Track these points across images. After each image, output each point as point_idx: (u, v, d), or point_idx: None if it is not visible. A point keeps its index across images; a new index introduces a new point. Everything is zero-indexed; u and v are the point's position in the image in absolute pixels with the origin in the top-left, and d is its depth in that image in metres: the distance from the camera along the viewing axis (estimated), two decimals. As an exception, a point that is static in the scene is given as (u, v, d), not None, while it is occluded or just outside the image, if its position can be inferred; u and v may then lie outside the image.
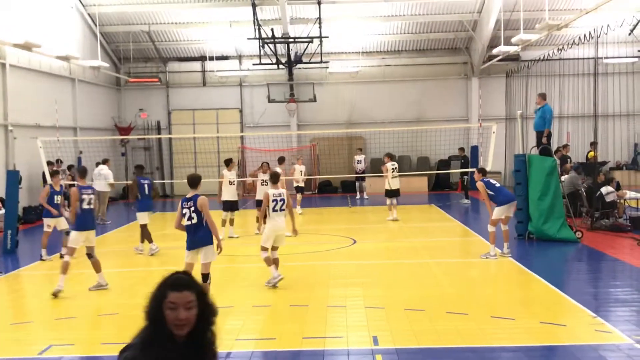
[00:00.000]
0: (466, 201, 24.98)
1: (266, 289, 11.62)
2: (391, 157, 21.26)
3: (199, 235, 9.73)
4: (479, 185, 13.75)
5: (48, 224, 14.78)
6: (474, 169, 15.97)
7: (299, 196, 22.82)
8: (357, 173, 27.60)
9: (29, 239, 19.06)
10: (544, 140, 16.12)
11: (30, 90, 23.36)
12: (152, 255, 15.12)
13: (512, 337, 8.36)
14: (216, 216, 11.68)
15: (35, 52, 21.09)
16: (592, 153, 21.61)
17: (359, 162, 27.52)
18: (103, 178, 21.97)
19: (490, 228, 13.69)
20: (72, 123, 26.87)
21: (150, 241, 15.29)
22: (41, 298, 11.20)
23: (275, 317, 9.67)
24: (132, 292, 11.55)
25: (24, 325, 9.77)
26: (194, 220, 9.69)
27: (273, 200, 11.27)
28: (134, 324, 9.72)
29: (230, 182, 17.20)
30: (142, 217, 15.33)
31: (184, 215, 9.79)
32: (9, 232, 16.29)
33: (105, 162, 22.64)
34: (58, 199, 14.84)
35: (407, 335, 8.51)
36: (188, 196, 9.81)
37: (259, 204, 17.74)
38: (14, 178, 17.08)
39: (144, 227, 15.30)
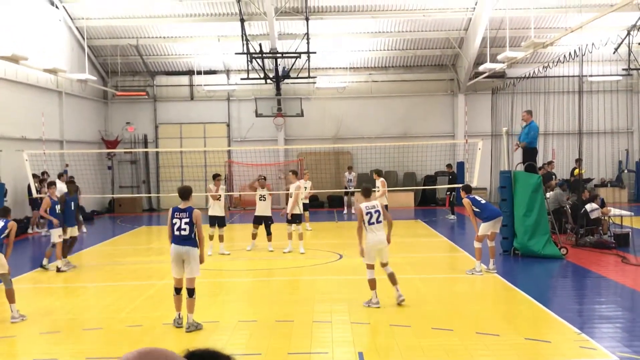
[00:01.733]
0: (452, 217, 25.08)
1: (251, 305, 11.61)
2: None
3: (186, 247, 9.75)
4: (465, 202, 13.87)
5: (59, 234, 14.96)
6: (454, 185, 16.07)
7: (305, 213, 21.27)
8: (346, 188, 27.65)
9: (13, 251, 18.88)
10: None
11: (17, 103, 23.27)
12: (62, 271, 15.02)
13: (497, 354, 8.38)
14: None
15: (22, 64, 21.02)
16: (577, 170, 21.79)
17: (349, 180, 27.53)
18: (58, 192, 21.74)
19: (477, 244, 13.77)
20: (58, 136, 26.78)
21: (63, 257, 15.25)
22: (25, 312, 11.09)
23: (260, 332, 9.64)
24: (116, 306, 11.48)
25: (7, 339, 9.67)
26: (185, 232, 9.74)
27: (367, 214, 10.81)
28: (119, 339, 9.68)
29: (217, 197, 16.90)
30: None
31: (173, 224, 9.81)
32: (-7, 245, 16.16)
33: (59, 176, 22.41)
34: (58, 208, 15.04)
35: (392, 351, 8.51)
36: (181, 207, 9.86)
37: (256, 220, 17.49)
38: (-1, 191, 17.00)
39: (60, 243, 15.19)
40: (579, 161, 21.74)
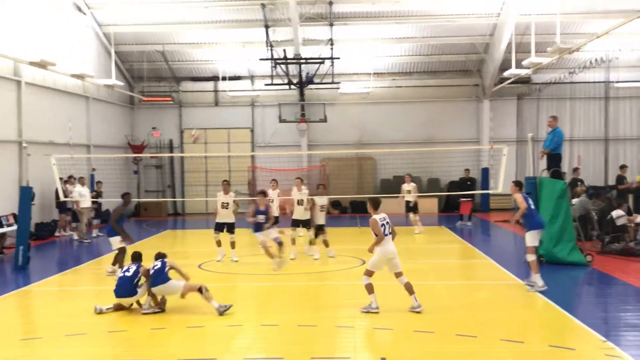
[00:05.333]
0: (469, 223, 24.72)
1: (274, 309, 11.64)
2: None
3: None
4: (518, 197, 12.65)
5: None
6: (482, 191, 15.87)
7: None
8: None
9: (40, 255, 19.17)
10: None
11: (45, 108, 23.59)
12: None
13: (521, 361, 8.32)
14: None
15: (50, 70, 21.31)
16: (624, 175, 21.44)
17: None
18: (78, 195, 21.90)
19: (530, 257, 12.63)
20: (85, 141, 27.09)
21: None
22: (52, 314, 11.24)
23: (283, 336, 9.67)
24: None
25: (33, 341, 9.80)
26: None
27: (382, 225, 10.89)
28: (143, 341, 9.75)
29: (223, 205, 16.77)
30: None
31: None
32: (21, 247, 16.35)
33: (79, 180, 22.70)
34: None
35: (416, 357, 8.49)
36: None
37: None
38: (27, 194, 17.18)
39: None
40: (623, 168, 21.46)
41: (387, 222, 11.01)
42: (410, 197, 22.46)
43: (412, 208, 22.57)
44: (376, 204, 11.23)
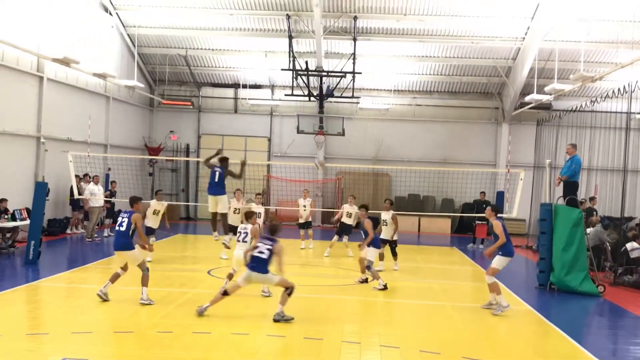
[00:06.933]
0: (481, 246, 24.54)
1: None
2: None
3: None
4: (497, 223, 12.66)
5: None
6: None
7: (304, 232, 21.88)
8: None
9: (51, 250, 19.24)
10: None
11: (65, 105, 23.76)
12: None
13: (527, 388, 8.22)
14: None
15: (73, 67, 21.44)
16: None
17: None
18: (89, 194, 21.92)
19: (490, 279, 12.74)
20: (103, 140, 27.24)
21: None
22: (59, 311, 11.23)
23: (288, 348, 9.62)
24: (149, 311, 11.56)
25: (39, 336, 9.81)
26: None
27: (238, 232, 13.19)
28: (148, 343, 9.71)
29: (154, 211, 18.08)
30: None
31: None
32: (32, 242, 16.42)
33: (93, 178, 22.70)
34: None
35: (420, 377, 8.42)
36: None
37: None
38: (42, 190, 17.25)
39: None
40: None
41: (246, 233, 12.95)
42: (352, 221, 20.20)
43: (347, 230, 20.27)
44: (248, 215, 13.32)
